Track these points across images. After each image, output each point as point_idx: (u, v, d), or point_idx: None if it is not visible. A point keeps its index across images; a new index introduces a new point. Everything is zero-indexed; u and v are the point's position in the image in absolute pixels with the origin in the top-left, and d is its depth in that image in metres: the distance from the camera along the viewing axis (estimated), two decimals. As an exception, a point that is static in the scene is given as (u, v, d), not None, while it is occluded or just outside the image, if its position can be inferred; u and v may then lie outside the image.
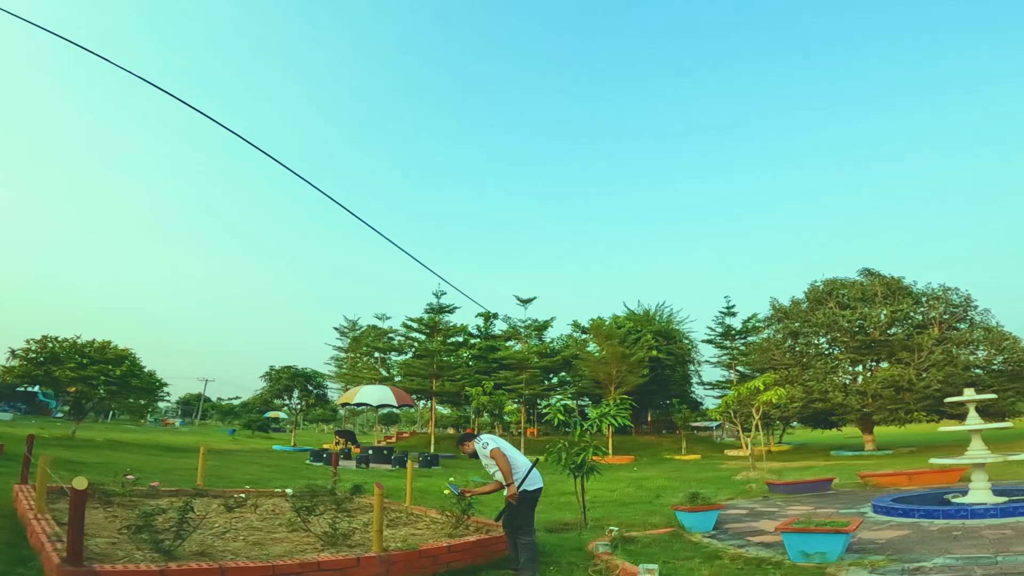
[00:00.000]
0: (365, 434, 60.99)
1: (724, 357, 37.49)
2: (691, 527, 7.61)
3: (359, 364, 40.47)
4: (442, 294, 34.06)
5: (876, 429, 25.97)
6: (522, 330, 33.36)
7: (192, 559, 3.95)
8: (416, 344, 33.59)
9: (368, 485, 7.78)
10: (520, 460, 5.24)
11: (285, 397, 35.58)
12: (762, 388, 16.34)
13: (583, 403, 48.66)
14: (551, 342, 37.93)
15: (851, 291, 26.49)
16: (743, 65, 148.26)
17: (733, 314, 35.63)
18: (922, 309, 25.23)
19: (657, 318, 38.52)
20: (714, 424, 37.42)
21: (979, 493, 7.36)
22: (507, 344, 34.93)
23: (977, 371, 22.91)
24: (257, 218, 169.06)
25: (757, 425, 17.64)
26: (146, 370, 27.22)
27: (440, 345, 32.66)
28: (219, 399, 76.85)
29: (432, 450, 32.57)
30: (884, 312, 24.43)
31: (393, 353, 37.51)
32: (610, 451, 28.58)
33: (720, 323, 36.06)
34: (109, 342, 26.03)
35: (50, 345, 24.48)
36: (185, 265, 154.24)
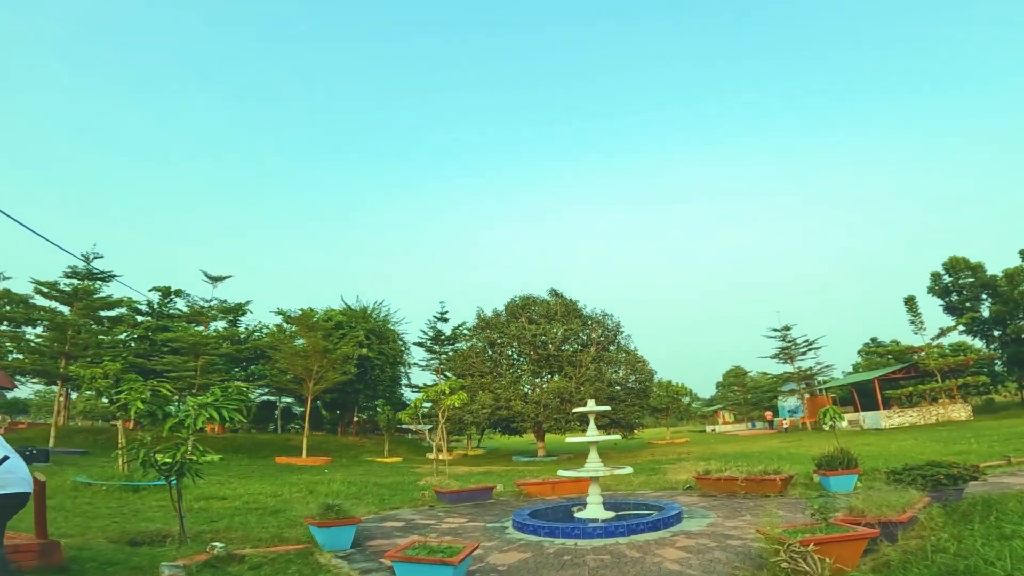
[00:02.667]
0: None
1: (433, 361, 38.76)
2: (325, 544, 6.77)
3: None
4: (95, 257, 26.57)
5: (547, 436, 29.93)
6: (206, 310, 28.22)
7: None
8: (44, 314, 25.32)
9: None
10: None
11: None
12: (447, 392, 16.72)
13: (274, 399, 44.47)
14: (251, 329, 33.39)
15: (540, 308, 30.19)
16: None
17: (445, 320, 37.21)
18: (587, 330, 30.23)
19: (373, 316, 37.61)
20: (427, 427, 38.38)
21: (593, 507, 8.23)
22: (189, 326, 29.18)
23: (617, 387, 28.38)
24: None
25: (443, 430, 18.05)
26: None
27: (79, 317, 25.21)
28: None
29: (52, 443, 25.27)
30: (560, 330, 28.42)
31: (8, 323, 27.55)
32: (304, 452, 26.35)
33: (432, 327, 37.21)
34: None
35: None
36: None
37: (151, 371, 26.79)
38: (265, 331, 32.59)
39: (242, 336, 30.24)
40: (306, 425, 27.31)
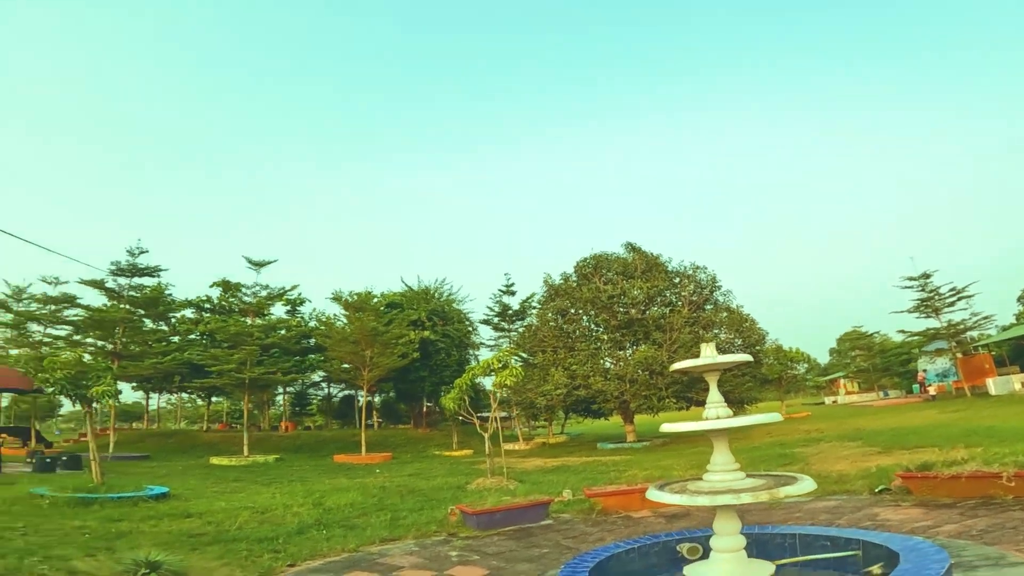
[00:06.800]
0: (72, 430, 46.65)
1: (502, 340, 35.15)
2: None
3: (39, 343, 28.97)
4: (140, 252, 25.26)
5: (637, 417, 25.33)
6: (248, 299, 26.27)
7: None
8: (91, 313, 24.44)
9: None
10: None
11: None
12: (497, 367, 12.90)
13: (318, 390, 42.83)
14: (306, 318, 31.45)
15: (615, 266, 25.43)
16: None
17: (512, 293, 33.36)
18: (676, 288, 25.09)
19: (435, 296, 34.58)
20: (484, 415, 35.11)
21: (725, 559, 3.92)
22: (236, 318, 27.44)
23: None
24: None
25: (496, 417, 14.21)
26: None
27: (124, 313, 24.01)
28: None
29: (112, 449, 24.28)
30: (643, 289, 23.54)
31: (57, 325, 27.15)
32: (363, 448, 23.70)
33: (498, 302, 33.53)
34: None
35: None
36: None
37: (199, 367, 25.30)
38: (322, 318, 30.49)
39: (293, 324, 28.21)
40: (362, 419, 24.71)
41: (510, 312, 33.60)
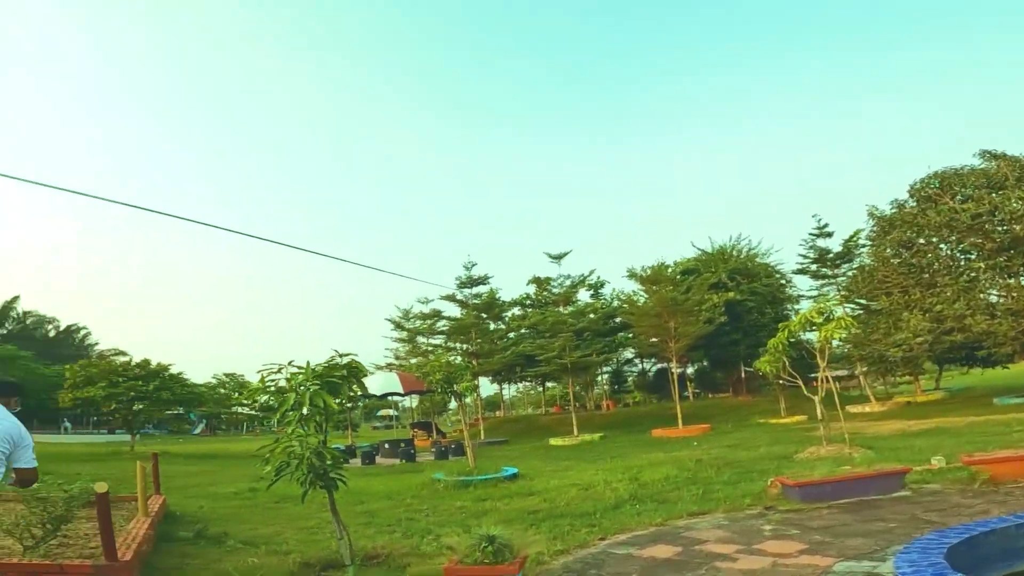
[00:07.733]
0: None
1: (827, 288, 30.10)
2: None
3: (425, 352, 38.57)
4: (472, 265, 30.69)
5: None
6: (556, 290, 28.95)
7: None
8: (449, 322, 30.70)
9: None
10: None
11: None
12: (819, 320, 11.12)
13: (633, 367, 42.74)
14: (609, 299, 33.04)
15: (972, 179, 18.74)
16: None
17: (828, 234, 28.08)
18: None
19: (734, 254, 31.88)
20: (848, 372, 30.28)
21: None
22: (553, 309, 30.70)
23: None
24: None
25: (826, 376, 12.10)
26: (189, 382, 27.53)
27: (472, 319, 29.34)
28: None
29: (483, 435, 29.85)
30: (1021, 199, 16.75)
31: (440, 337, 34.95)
32: (679, 421, 23.54)
33: (811, 247, 28.69)
34: (148, 361, 26.12)
35: (92, 369, 25.11)
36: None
37: (530, 357, 29.17)
38: (623, 296, 31.63)
39: (598, 307, 30.04)
40: (674, 390, 24.45)
41: (830, 256, 28.51)
